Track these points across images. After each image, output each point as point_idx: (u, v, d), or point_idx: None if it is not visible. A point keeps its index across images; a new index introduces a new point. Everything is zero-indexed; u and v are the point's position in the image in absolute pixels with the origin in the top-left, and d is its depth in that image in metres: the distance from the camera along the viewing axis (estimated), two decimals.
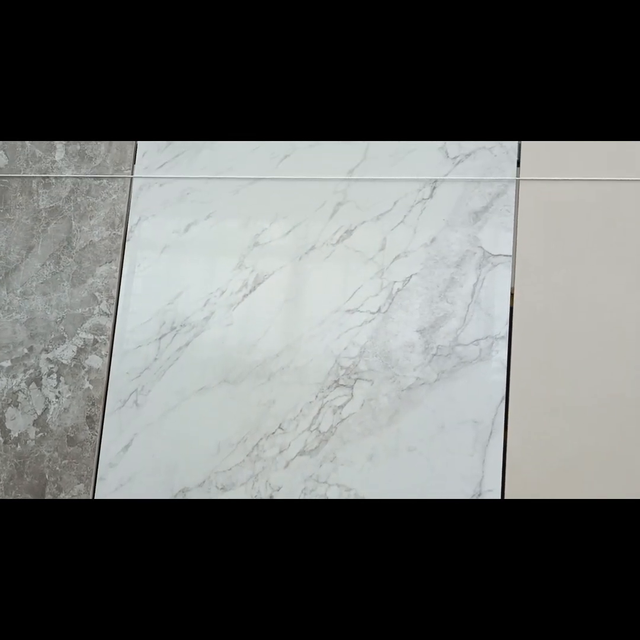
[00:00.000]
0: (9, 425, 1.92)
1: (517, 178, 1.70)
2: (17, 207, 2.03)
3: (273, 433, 1.74)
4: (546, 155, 1.70)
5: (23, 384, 1.93)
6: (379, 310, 1.74)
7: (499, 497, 1.61)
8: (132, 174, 1.95)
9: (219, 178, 1.88)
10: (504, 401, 1.64)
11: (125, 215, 1.95)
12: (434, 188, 1.75)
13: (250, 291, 1.82)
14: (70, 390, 1.90)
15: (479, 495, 1.61)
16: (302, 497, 1.68)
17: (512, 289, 1.68)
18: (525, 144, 1.72)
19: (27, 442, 1.90)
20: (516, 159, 1.72)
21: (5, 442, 1.91)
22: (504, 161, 1.72)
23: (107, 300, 1.92)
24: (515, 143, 1.73)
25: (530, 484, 1.59)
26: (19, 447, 1.90)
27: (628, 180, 1.64)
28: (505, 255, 1.68)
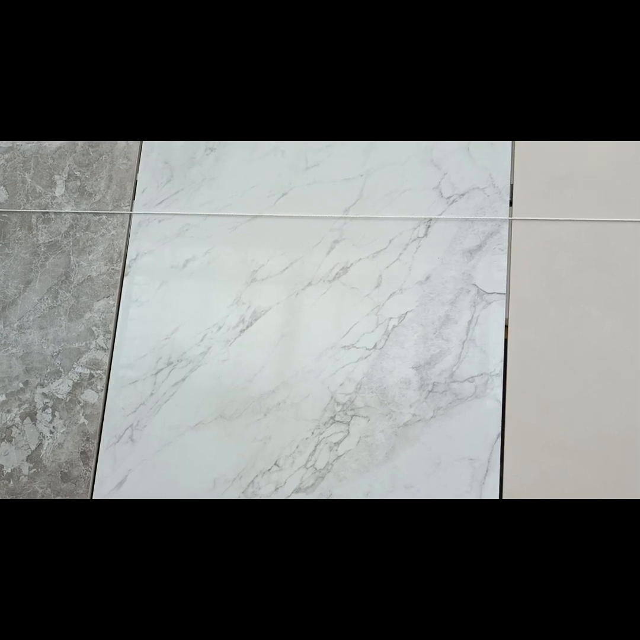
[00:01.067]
0: (2, 460, 1.90)
1: (510, 218, 1.74)
2: (16, 241, 2.04)
3: (269, 470, 1.73)
4: (538, 196, 1.74)
5: (17, 419, 1.92)
6: (374, 346, 1.75)
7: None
8: (131, 210, 1.98)
9: (218, 215, 1.91)
10: (499, 438, 1.64)
11: (123, 251, 1.97)
12: (429, 227, 1.78)
13: (247, 327, 1.84)
14: (65, 425, 1.89)
15: None
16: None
17: (507, 327, 1.70)
18: (517, 184, 1.76)
19: (20, 477, 1.88)
20: (508, 199, 1.76)
21: None
22: (497, 201, 1.76)
23: (104, 335, 1.92)
24: (507, 183, 1.77)
25: None
26: (11, 483, 1.88)
27: (620, 221, 1.68)
28: (499, 293, 1.71)
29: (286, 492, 1.70)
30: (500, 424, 1.65)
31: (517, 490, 1.61)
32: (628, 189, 1.71)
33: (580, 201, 1.72)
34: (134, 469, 1.81)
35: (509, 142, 1.79)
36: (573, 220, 1.70)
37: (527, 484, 1.61)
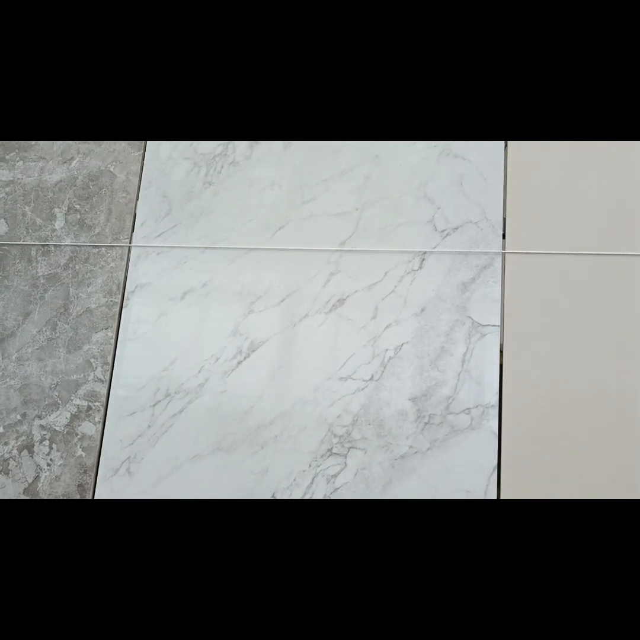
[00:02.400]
0: None
1: (503, 251, 1.77)
2: (16, 273, 2.07)
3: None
4: (531, 229, 1.78)
5: (14, 451, 1.92)
6: (371, 378, 1.77)
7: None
8: (130, 243, 2.01)
9: (215, 248, 1.94)
10: (496, 470, 1.65)
11: (122, 283, 1.99)
12: (423, 260, 1.81)
13: (245, 358, 1.85)
14: (62, 457, 1.89)
15: None
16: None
17: (501, 358, 1.72)
18: (509, 218, 1.80)
19: None
20: (501, 232, 1.79)
21: None
22: (490, 234, 1.80)
23: (102, 367, 1.93)
24: (500, 217, 1.80)
25: None
26: None
27: (612, 254, 1.71)
28: (493, 325, 1.73)
29: None
30: (496, 456, 1.66)
31: None
32: (620, 222, 1.74)
33: (572, 234, 1.75)
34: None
35: (501, 177, 1.83)
36: (565, 253, 1.74)
37: None
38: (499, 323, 1.74)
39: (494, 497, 1.64)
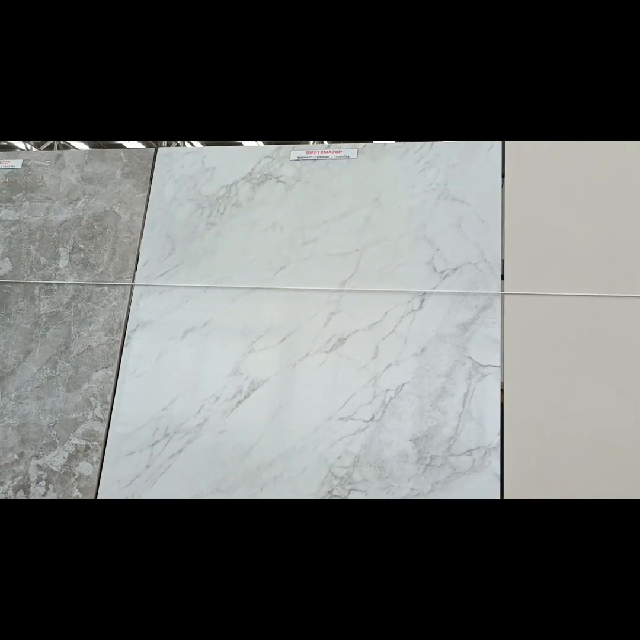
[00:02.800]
0: None
1: (502, 292, 1.79)
2: (18, 311, 2.08)
3: None
4: (529, 271, 1.80)
5: (10, 491, 1.89)
6: (372, 418, 1.76)
7: None
8: (133, 282, 2.03)
9: (217, 287, 1.96)
10: None
11: (124, 322, 2.00)
12: (423, 300, 1.83)
13: (245, 398, 1.84)
14: (58, 498, 1.86)
15: None
16: None
17: (502, 399, 1.72)
18: (508, 259, 1.82)
19: None
20: (500, 273, 1.82)
21: None
22: (489, 276, 1.82)
23: (101, 406, 1.92)
24: (499, 258, 1.83)
25: None
26: None
27: (609, 296, 1.73)
28: (493, 366, 1.74)
29: None
30: (499, 498, 1.64)
31: None
32: (618, 264, 1.77)
33: (571, 276, 1.77)
34: None
35: (499, 219, 1.86)
36: (564, 295, 1.75)
37: None
38: (499, 363, 1.74)
39: None
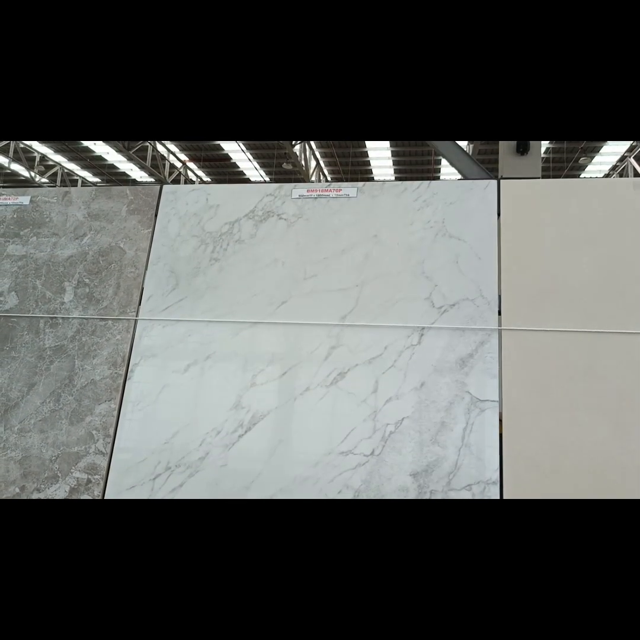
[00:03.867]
0: None
1: (499, 328, 1.82)
2: (23, 345, 2.11)
3: None
4: (526, 307, 1.84)
5: None
6: (372, 452, 1.77)
7: None
8: (137, 316, 2.06)
9: (220, 321, 1.99)
10: None
11: (127, 355, 2.03)
12: (422, 335, 1.86)
13: (246, 431, 1.86)
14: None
15: None
16: None
17: (501, 433, 1.74)
18: (505, 295, 1.86)
19: None
20: (497, 309, 1.85)
21: None
22: (486, 311, 1.85)
23: (103, 439, 1.94)
24: (496, 294, 1.87)
25: None
26: None
27: (605, 332, 1.76)
28: (492, 401, 1.76)
29: None
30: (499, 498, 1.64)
31: None
32: (613, 301, 1.80)
33: (567, 312, 1.81)
34: None
35: (495, 256, 1.91)
36: (561, 330, 1.79)
37: None
38: (497, 398, 1.76)
39: None
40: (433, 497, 1.70)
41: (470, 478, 1.70)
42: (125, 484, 1.87)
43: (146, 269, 2.13)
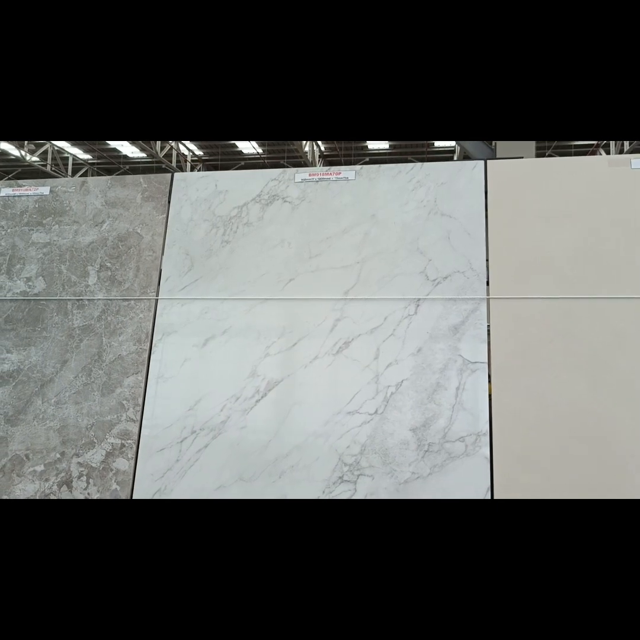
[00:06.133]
0: None
1: (488, 297, 2.02)
2: (54, 326, 2.30)
3: None
4: (511, 277, 2.03)
5: (55, 487, 2.12)
6: (376, 411, 1.99)
7: None
8: (157, 296, 2.25)
9: (234, 299, 2.19)
10: (489, 492, 1.86)
11: (150, 332, 2.22)
12: (418, 306, 2.06)
13: (262, 397, 2.07)
14: (98, 491, 2.09)
15: None
16: None
17: (490, 391, 1.95)
18: (492, 268, 2.05)
19: None
20: (485, 280, 2.05)
21: None
22: (476, 282, 2.05)
23: (133, 408, 2.15)
24: (484, 267, 2.06)
25: None
26: None
27: (579, 298, 1.96)
28: (481, 363, 1.97)
29: None
30: (489, 479, 1.87)
31: None
32: (589, 270, 2.00)
33: (548, 281, 2.00)
34: None
35: (483, 232, 2.09)
36: (542, 297, 1.99)
37: None
38: (486, 360, 1.97)
39: None
40: (431, 450, 1.92)
41: (463, 431, 1.92)
42: (156, 447, 2.09)
43: (163, 252, 2.31)
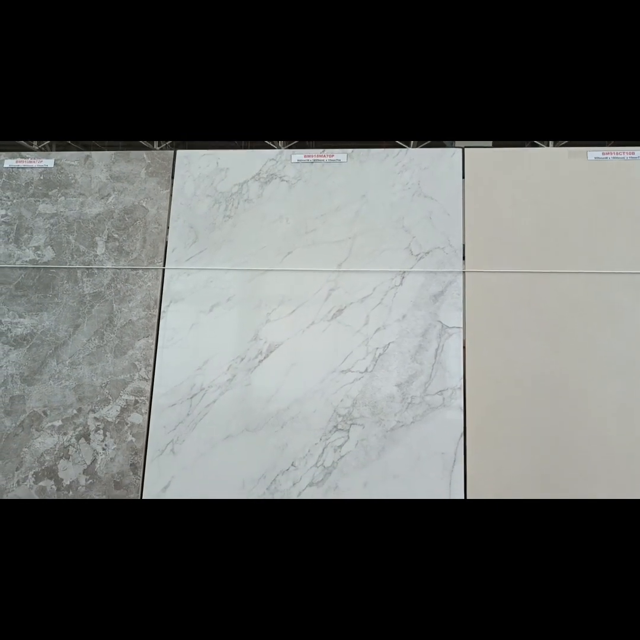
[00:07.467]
0: (61, 474, 2.30)
1: (464, 270, 2.31)
2: (64, 292, 2.46)
3: (287, 470, 2.21)
4: (484, 253, 2.32)
5: (73, 439, 2.32)
6: (366, 370, 2.27)
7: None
8: (163, 266, 2.44)
9: (237, 269, 2.40)
10: (462, 437, 2.19)
11: (158, 299, 2.42)
12: (403, 277, 2.33)
13: (265, 358, 2.32)
14: (115, 442, 2.31)
15: None
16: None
17: (465, 352, 2.26)
18: (468, 245, 2.34)
19: (78, 488, 2.28)
20: (462, 255, 2.33)
21: (58, 490, 2.28)
22: (453, 257, 2.33)
23: (145, 368, 2.36)
24: (461, 244, 2.34)
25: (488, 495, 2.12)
26: (70, 492, 2.28)
27: (543, 272, 2.28)
28: (457, 328, 2.27)
29: (302, 486, 2.19)
30: (462, 426, 2.19)
31: (477, 477, 2.15)
32: (553, 246, 2.31)
33: (516, 257, 2.31)
34: (176, 476, 2.24)
35: (460, 212, 2.37)
36: (512, 271, 2.29)
37: (485, 472, 2.15)
38: (462, 325, 2.27)
39: (462, 458, 2.17)
40: (413, 402, 2.22)
41: (441, 386, 2.23)
42: (167, 403, 2.31)
43: (168, 225, 2.49)
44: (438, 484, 2.15)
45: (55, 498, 2.26)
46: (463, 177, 2.40)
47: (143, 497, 2.24)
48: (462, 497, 2.14)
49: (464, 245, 2.34)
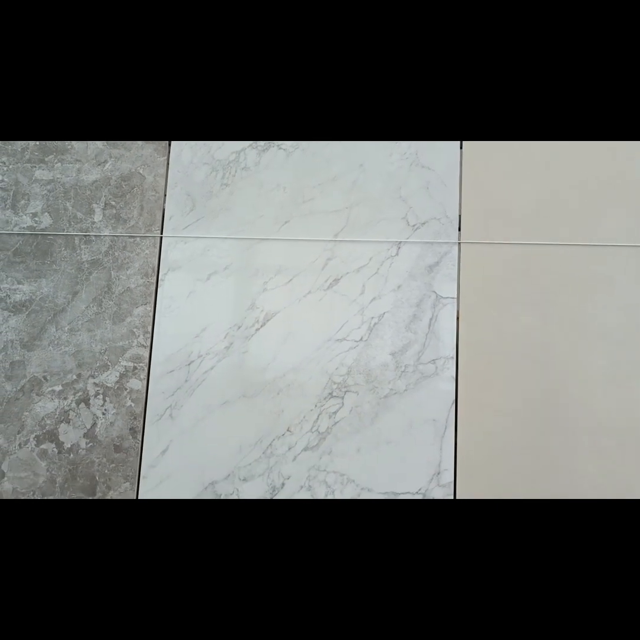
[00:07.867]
0: (62, 438, 2.35)
1: (459, 241, 2.33)
2: (62, 259, 2.48)
3: (283, 435, 2.27)
4: (480, 225, 2.34)
5: (73, 404, 2.37)
6: (361, 339, 2.31)
7: (451, 479, 2.20)
8: (161, 234, 2.45)
9: (234, 238, 2.42)
10: (454, 405, 2.24)
11: (156, 267, 2.44)
12: (399, 248, 2.35)
13: (261, 326, 2.36)
14: (114, 407, 2.36)
15: (438, 474, 2.20)
16: (306, 483, 2.22)
17: (458, 322, 2.30)
18: (464, 216, 2.35)
19: (79, 451, 2.34)
20: (457, 226, 2.35)
21: (59, 452, 2.34)
22: (449, 228, 2.35)
23: (143, 335, 2.40)
24: (457, 215, 2.36)
25: (478, 469, 2.19)
26: (71, 455, 2.34)
27: (539, 244, 2.30)
28: (451, 298, 2.30)
29: (296, 451, 2.25)
30: (454, 394, 2.25)
31: (467, 444, 2.21)
32: (549, 218, 2.33)
33: (511, 229, 2.33)
34: (175, 440, 2.30)
35: (457, 183, 2.37)
36: (506, 243, 2.31)
37: (476, 440, 2.21)
38: (456, 296, 2.30)
39: (454, 425, 2.23)
40: (407, 371, 2.27)
41: (434, 355, 2.27)
42: (166, 369, 2.36)
43: (165, 192, 2.49)
44: (429, 449, 2.21)
45: (57, 461, 2.32)
46: (461, 148, 2.40)
47: (142, 461, 2.30)
48: (452, 465, 2.21)
49: (459, 217, 2.36)
